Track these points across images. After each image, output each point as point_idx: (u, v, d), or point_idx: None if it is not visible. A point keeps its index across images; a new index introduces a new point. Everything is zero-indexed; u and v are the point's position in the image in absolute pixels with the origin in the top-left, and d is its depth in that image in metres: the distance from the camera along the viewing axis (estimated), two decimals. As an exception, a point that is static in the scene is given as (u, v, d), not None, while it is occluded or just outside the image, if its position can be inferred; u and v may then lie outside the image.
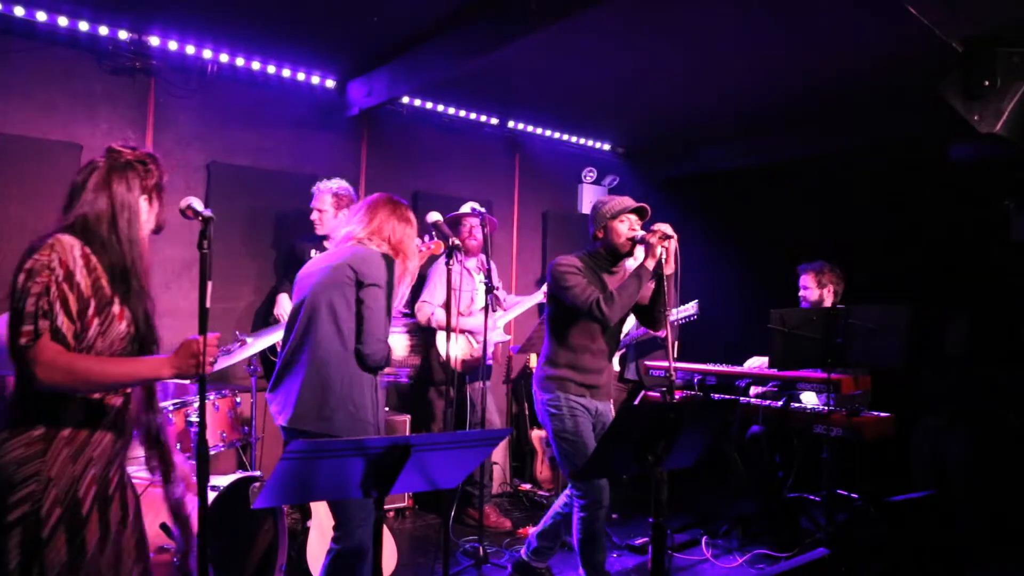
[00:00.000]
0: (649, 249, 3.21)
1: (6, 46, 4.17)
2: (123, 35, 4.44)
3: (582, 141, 6.80)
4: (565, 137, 6.67)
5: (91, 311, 1.87)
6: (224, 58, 4.78)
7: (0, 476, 1.78)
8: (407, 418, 5.02)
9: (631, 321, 3.65)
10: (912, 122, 5.19)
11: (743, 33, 4.18)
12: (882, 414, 4.05)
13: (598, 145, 6.91)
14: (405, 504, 5.01)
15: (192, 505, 2.11)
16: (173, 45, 4.58)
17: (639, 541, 4.43)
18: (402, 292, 2.86)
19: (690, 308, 4.84)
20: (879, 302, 4.10)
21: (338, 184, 4.52)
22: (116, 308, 1.92)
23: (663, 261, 3.19)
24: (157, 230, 2.12)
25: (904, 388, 4.43)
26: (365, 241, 2.77)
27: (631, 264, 3.42)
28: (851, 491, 4.42)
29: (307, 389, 2.61)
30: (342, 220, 4.15)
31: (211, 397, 3.55)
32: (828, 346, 3.83)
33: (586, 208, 6.80)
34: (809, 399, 4.41)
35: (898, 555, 2.58)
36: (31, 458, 1.79)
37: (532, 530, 3.70)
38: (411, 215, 2.95)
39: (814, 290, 4.59)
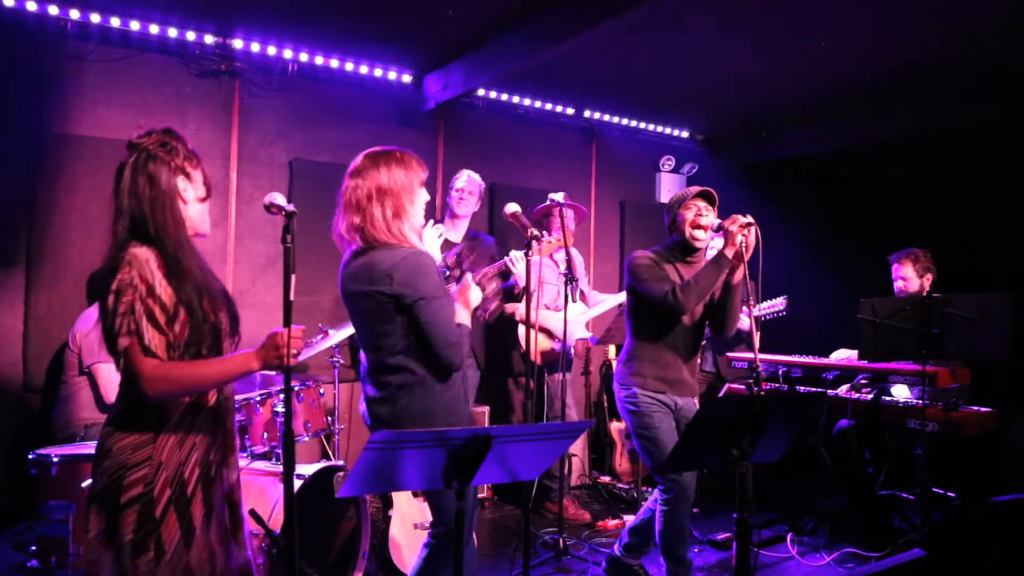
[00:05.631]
0: (728, 236, 3.13)
1: (106, 55, 4.39)
2: (209, 39, 4.60)
3: (660, 129, 6.69)
4: (642, 125, 6.57)
5: (182, 316, 1.96)
6: (304, 57, 4.90)
7: (116, 459, 1.93)
8: (486, 409, 5.05)
9: None
10: (1008, 100, 4.90)
11: (827, 9, 4.02)
12: (982, 409, 3.84)
13: (676, 132, 6.79)
14: (484, 495, 5.05)
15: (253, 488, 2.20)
16: (256, 47, 4.72)
17: (721, 536, 4.34)
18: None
19: (778, 303, 4.68)
20: (978, 290, 3.88)
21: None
22: (181, 308, 1.97)
23: (743, 248, 3.10)
24: (207, 194, 2.13)
25: (1008, 382, 4.19)
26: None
27: (709, 255, 3.35)
28: (947, 489, 4.22)
29: None
30: None
31: (296, 388, 3.64)
32: (923, 337, 3.65)
33: (664, 197, 6.69)
34: (900, 392, 4.22)
35: (1002, 559, 2.44)
36: (144, 444, 1.93)
37: (625, 526, 3.67)
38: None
39: (914, 280, 4.30)
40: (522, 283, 4.41)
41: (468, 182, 4.82)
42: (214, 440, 2.06)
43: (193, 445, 2.00)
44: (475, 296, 2.66)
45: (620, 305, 4.99)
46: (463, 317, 2.59)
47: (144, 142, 2.05)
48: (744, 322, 4.89)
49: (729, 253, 3.13)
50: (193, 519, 1.97)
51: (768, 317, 4.68)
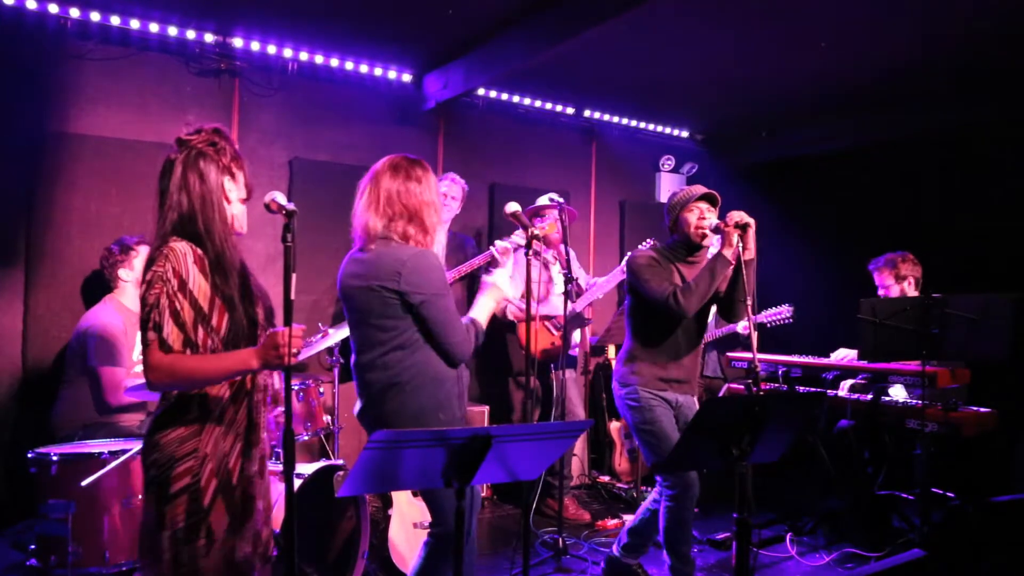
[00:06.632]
0: (725, 237, 3.13)
1: (106, 53, 4.38)
2: (209, 38, 4.60)
3: (659, 128, 6.68)
4: (642, 125, 6.57)
5: (218, 310, 2.03)
6: (304, 56, 4.90)
7: (165, 452, 2.00)
8: (486, 409, 5.05)
9: (712, 312, 3.56)
10: (1008, 100, 4.90)
11: (826, 9, 4.02)
12: (982, 409, 3.84)
13: (676, 132, 6.79)
14: (484, 494, 5.05)
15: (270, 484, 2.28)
16: (256, 46, 4.72)
17: (721, 536, 4.34)
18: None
19: (783, 311, 4.66)
20: (979, 291, 3.87)
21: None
22: (218, 301, 2.05)
23: (740, 249, 3.10)
24: (248, 196, 2.21)
25: (1008, 383, 4.18)
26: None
27: (711, 253, 3.35)
28: (947, 489, 4.22)
29: None
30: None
31: (296, 387, 3.64)
32: (923, 337, 3.65)
33: (664, 197, 6.69)
34: (898, 393, 4.23)
35: (1002, 559, 2.44)
36: (190, 436, 2.01)
37: (624, 526, 3.67)
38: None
39: (894, 286, 4.35)
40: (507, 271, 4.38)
41: (450, 187, 4.78)
42: (256, 431, 2.15)
43: (236, 436, 2.08)
44: (497, 289, 2.72)
45: (620, 306, 4.99)
46: (484, 312, 2.66)
47: (194, 140, 2.10)
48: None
49: (727, 253, 3.13)
50: (239, 507, 2.07)
51: (773, 324, 4.67)
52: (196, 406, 2.03)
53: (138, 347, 3.12)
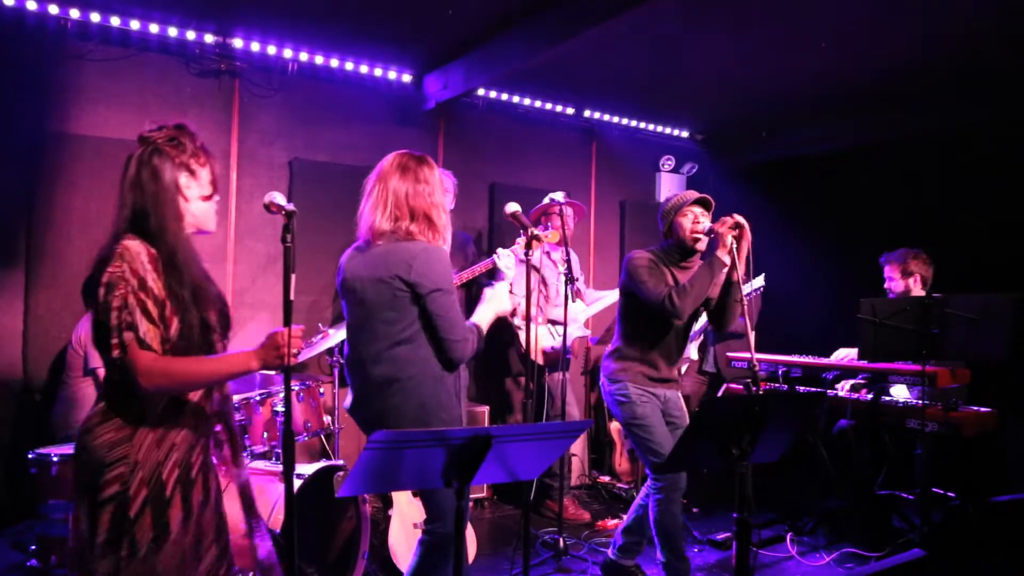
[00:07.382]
0: (719, 239, 3.17)
1: (106, 54, 4.39)
2: (209, 39, 4.60)
3: (659, 129, 6.68)
4: (642, 125, 6.57)
5: (168, 311, 1.95)
6: (304, 57, 4.90)
7: (93, 457, 1.92)
8: (486, 409, 5.05)
9: (703, 319, 3.60)
10: (1008, 100, 4.90)
11: (826, 9, 4.02)
12: (982, 409, 3.84)
13: (676, 132, 6.79)
14: (484, 495, 5.05)
15: (254, 487, 2.22)
16: (256, 46, 4.72)
17: (721, 536, 4.34)
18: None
19: (757, 282, 4.68)
20: (980, 291, 3.88)
21: None
22: (170, 304, 1.96)
23: (735, 251, 3.15)
24: (213, 192, 2.13)
25: (1008, 383, 4.19)
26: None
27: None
28: (947, 489, 4.22)
29: None
30: None
31: (296, 387, 3.64)
32: (923, 337, 3.65)
33: (664, 197, 6.68)
34: (899, 392, 4.23)
35: (1002, 559, 2.44)
36: (120, 442, 1.91)
37: (617, 527, 3.68)
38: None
39: (899, 280, 4.38)
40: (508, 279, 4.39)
41: (442, 180, 4.75)
42: (196, 441, 2.04)
43: (172, 446, 1.97)
44: (499, 301, 2.72)
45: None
46: (485, 320, 2.67)
47: (154, 136, 2.05)
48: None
49: (722, 255, 3.17)
50: (170, 522, 1.94)
51: (749, 296, 4.69)
52: (132, 410, 1.93)
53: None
